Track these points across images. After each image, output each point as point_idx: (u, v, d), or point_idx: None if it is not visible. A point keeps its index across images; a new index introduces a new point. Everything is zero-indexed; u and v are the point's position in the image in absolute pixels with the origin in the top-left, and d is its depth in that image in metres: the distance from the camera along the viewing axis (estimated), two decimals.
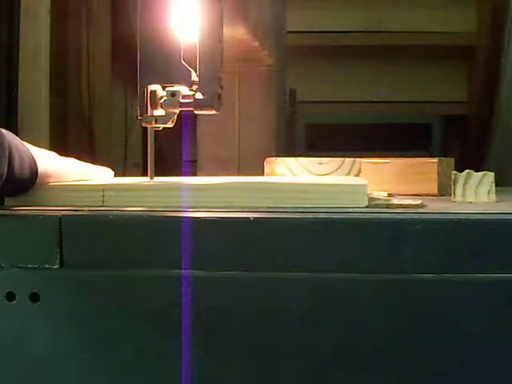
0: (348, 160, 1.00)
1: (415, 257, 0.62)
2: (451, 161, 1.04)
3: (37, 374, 0.65)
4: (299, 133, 2.45)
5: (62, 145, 2.01)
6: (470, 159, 2.31)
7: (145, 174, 0.82)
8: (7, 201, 0.71)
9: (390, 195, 0.86)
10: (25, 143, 0.69)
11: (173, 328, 0.63)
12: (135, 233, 0.64)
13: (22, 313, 0.65)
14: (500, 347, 0.62)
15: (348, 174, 1.00)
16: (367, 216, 0.64)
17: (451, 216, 0.64)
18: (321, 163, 1.00)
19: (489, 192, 0.83)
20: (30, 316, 0.65)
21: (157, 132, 0.81)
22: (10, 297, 0.65)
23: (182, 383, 0.63)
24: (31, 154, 0.69)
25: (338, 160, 1.00)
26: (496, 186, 0.84)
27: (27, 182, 0.70)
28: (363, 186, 0.71)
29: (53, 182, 0.73)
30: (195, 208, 0.69)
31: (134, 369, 0.64)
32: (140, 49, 0.78)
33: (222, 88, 0.78)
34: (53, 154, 0.76)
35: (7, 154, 0.64)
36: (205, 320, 0.63)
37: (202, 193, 0.71)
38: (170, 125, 0.80)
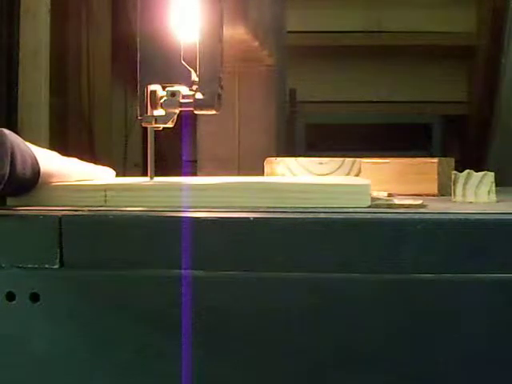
0: (348, 160, 1.00)
1: (415, 257, 0.62)
2: (451, 161, 1.04)
3: (37, 374, 0.65)
4: (299, 133, 2.45)
5: (62, 145, 2.01)
6: (470, 159, 2.31)
7: (145, 174, 0.82)
8: (9, 201, 0.71)
9: (390, 195, 0.86)
10: (27, 143, 0.69)
11: (173, 328, 0.63)
12: (135, 233, 0.64)
13: (22, 313, 0.65)
14: (500, 347, 0.62)
15: (348, 174, 1.00)
16: (367, 216, 0.64)
17: (451, 216, 0.64)
18: (321, 163, 1.00)
19: (489, 192, 0.83)
20: (30, 316, 0.65)
21: (157, 132, 0.81)
22: (10, 297, 0.65)
23: (181, 383, 0.63)
24: (33, 154, 0.69)
25: (338, 160, 1.00)
26: (496, 186, 0.84)
27: (29, 182, 0.70)
28: (366, 186, 0.71)
29: (55, 181, 0.73)
30: (195, 208, 0.69)
31: (134, 369, 0.64)
32: (140, 49, 0.78)
33: (222, 88, 0.78)
34: (55, 154, 0.76)
35: (9, 154, 0.64)
36: (205, 320, 0.63)
37: (202, 193, 0.71)
38: (169, 125, 0.80)
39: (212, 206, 0.70)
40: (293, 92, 2.37)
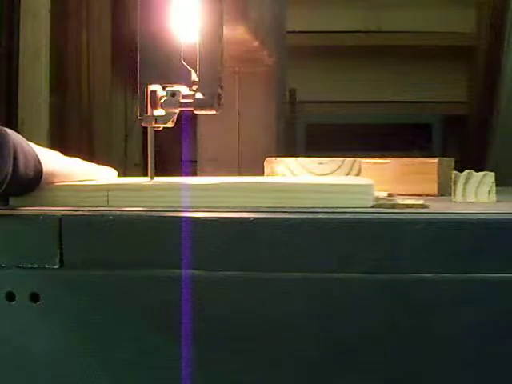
0: (348, 160, 1.00)
1: (415, 257, 0.62)
2: (451, 161, 1.04)
3: (37, 374, 0.65)
4: (299, 133, 2.45)
5: (62, 145, 2.01)
6: (470, 159, 2.31)
7: (145, 173, 0.82)
8: (12, 201, 0.71)
9: (390, 195, 0.86)
10: (30, 143, 0.69)
11: (173, 328, 0.63)
12: (135, 233, 0.64)
13: (22, 313, 0.65)
14: (500, 347, 0.62)
15: (348, 173, 1.00)
16: (367, 216, 0.64)
17: (451, 216, 0.64)
18: (321, 163, 1.01)
19: (489, 192, 0.83)
20: (30, 316, 0.65)
21: (157, 132, 0.81)
22: (10, 297, 0.65)
23: (181, 383, 0.63)
24: (36, 154, 0.69)
25: (338, 160, 1.00)
26: (496, 186, 0.84)
27: (32, 182, 0.69)
28: (369, 186, 0.71)
29: (57, 182, 0.73)
30: (195, 208, 0.69)
31: (134, 369, 0.64)
32: (140, 49, 0.78)
33: (222, 88, 0.78)
34: (57, 154, 0.76)
35: (12, 154, 0.64)
36: (205, 320, 0.63)
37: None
38: (169, 125, 0.80)
39: (212, 206, 0.70)
40: (293, 92, 2.37)
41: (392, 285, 0.62)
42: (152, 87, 0.78)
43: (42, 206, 0.70)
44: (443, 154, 2.35)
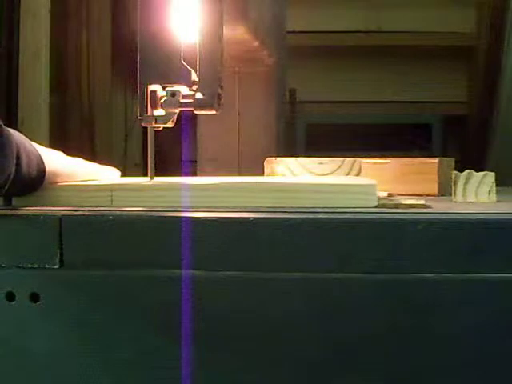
0: (348, 160, 1.00)
1: (416, 257, 0.62)
2: (451, 161, 1.04)
3: (37, 374, 0.65)
4: (299, 133, 2.45)
5: (62, 145, 2.01)
6: (470, 159, 2.31)
7: (145, 173, 0.82)
8: (15, 201, 0.71)
9: (390, 195, 0.86)
10: (32, 143, 0.69)
11: (173, 328, 0.63)
12: (135, 233, 0.64)
13: (22, 313, 0.65)
14: (500, 347, 0.62)
15: (348, 173, 1.00)
16: (367, 216, 0.64)
17: (451, 216, 0.64)
18: (321, 163, 1.01)
19: (489, 192, 0.83)
20: (30, 316, 0.65)
21: (157, 132, 0.81)
22: (10, 297, 0.65)
23: (181, 383, 0.63)
24: (39, 154, 0.69)
25: (338, 160, 1.00)
26: (496, 186, 0.84)
27: (35, 182, 0.69)
28: (372, 186, 0.71)
29: (60, 182, 0.73)
30: (196, 208, 0.69)
31: (134, 369, 0.64)
32: (140, 49, 0.78)
33: (222, 88, 0.78)
34: (60, 154, 0.76)
35: (15, 154, 0.64)
36: (205, 320, 0.63)
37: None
38: (169, 125, 0.80)
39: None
40: (293, 92, 2.37)
41: (392, 285, 0.62)
42: (152, 87, 0.78)
43: (45, 206, 0.70)
44: (443, 153, 2.35)
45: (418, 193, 0.97)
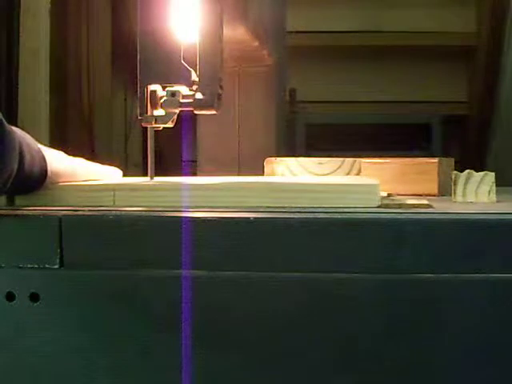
0: (348, 160, 1.00)
1: (415, 257, 0.62)
2: (451, 161, 1.04)
3: (37, 374, 0.65)
4: (299, 133, 2.46)
5: (62, 144, 2.01)
6: (470, 159, 2.31)
7: (145, 173, 0.82)
8: (18, 200, 0.71)
9: (389, 195, 0.86)
10: (36, 142, 0.69)
11: (173, 328, 0.63)
12: (135, 233, 0.64)
13: (22, 313, 0.65)
14: (500, 347, 0.62)
15: (348, 173, 1.00)
16: (367, 216, 0.64)
17: (451, 216, 0.64)
18: (321, 163, 1.00)
19: (489, 192, 0.83)
20: (29, 316, 0.65)
21: (157, 132, 0.81)
22: (10, 297, 0.65)
23: (182, 383, 0.63)
24: (41, 153, 0.69)
25: (338, 160, 1.00)
26: (496, 186, 0.84)
27: (37, 181, 0.69)
28: (375, 186, 0.71)
29: (62, 181, 0.73)
30: (195, 208, 0.69)
31: (135, 369, 0.64)
32: (140, 49, 0.78)
33: (221, 88, 0.78)
34: (62, 154, 0.76)
35: (18, 151, 0.63)
36: (205, 320, 0.63)
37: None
38: (169, 125, 0.80)
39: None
40: (293, 92, 2.37)
41: (392, 285, 0.62)
42: (152, 87, 0.78)
43: (48, 205, 0.70)
44: (443, 154, 2.35)
45: (417, 193, 0.97)
